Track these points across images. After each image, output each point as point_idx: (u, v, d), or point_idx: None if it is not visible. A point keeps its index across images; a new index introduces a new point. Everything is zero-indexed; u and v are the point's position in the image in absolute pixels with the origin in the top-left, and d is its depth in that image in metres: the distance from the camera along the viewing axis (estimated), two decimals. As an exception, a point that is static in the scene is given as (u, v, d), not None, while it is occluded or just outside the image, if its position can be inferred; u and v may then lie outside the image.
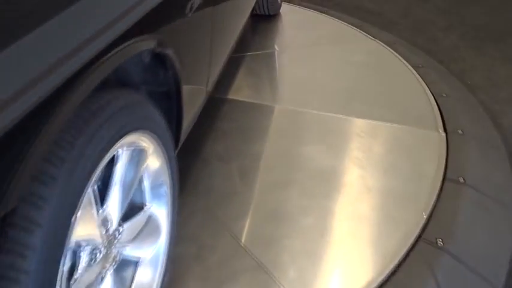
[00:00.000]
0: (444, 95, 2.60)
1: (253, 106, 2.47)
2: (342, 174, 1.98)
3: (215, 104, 2.46)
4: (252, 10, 3.14)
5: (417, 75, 2.79)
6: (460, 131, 2.26)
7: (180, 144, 1.51)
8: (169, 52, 1.19)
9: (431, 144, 2.17)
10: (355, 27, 3.52)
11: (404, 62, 2.97)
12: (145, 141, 1.17)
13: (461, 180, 1.95)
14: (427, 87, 2.67)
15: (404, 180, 1.95)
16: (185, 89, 1.37)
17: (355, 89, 2.63)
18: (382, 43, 3.25)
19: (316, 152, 2.11)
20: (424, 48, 3.35)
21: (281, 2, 3.78)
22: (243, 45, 3.15)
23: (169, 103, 1.35)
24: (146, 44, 1.09)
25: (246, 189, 1.92)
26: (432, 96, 2.58)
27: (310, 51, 3.12)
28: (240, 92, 2.61)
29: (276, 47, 3.21)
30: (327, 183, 1.93)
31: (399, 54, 3.09)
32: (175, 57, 1.23)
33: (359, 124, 2.33)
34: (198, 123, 1.83)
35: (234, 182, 1.96)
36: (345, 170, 2.01)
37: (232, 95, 2.57)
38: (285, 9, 3.88)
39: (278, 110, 2.43)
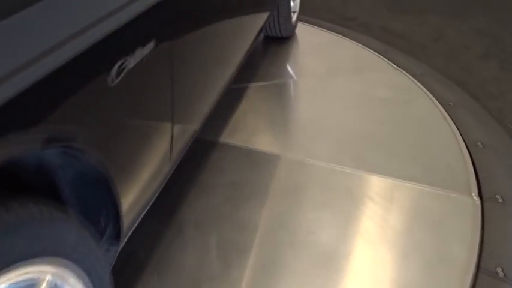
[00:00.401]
0: (480, 145, 2.15)
1: (248, 154, 2.07)
2: (346, 259, 1.56)
3: (201, 148, 2.07)
4: (262, 31, 2.75)
5: (448, 118, 2.34)
6: (499, 198, 1.81)
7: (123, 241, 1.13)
8: (81, 146, 0.81)
9: (463, 216, 1.73)
10: (379, 53, 3.08)
11: (433, 99, 2.53)
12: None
13: (500, 273, 1.50)
14: (459, 134, 2.22)
15: (426, 269, 1.52)
16: (119, 176, 0.98)
17: (373, 134, 2.21)
18: (408, 74, 2.80)
19: (317, 222, 1.70)
20: (457, 79, 2.89)
21: (296, 23, 3.37)
22: (246, 73, 2.76)
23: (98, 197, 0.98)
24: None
25: (224, 272, 1.52)
26: (465, 147, 2.13)
27: (325, 83, 2.70)
28: (235, 134, 2.22)
29: (285, 76, 2.80)
30: (325, 271, 1.51)
31: (427, 88, 2.64)
32: (93, 149, 0.84)
33: (373, 182, 1.91)
34: (175, 173, 1.45)
35: (210, 261, 1.56)
36: (350, 252, 1.58)
37: (224, 138, 2.18)
38: (301, 30, 3.47)
39: (278, 160, 2.02)
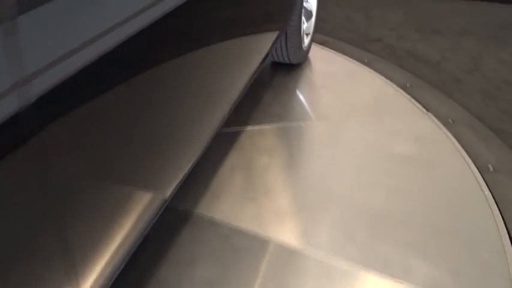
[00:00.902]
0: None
1: (228, 236, 1.62)
2: None
3: (169, 222, 1.63)
4: (267, 57, 2.28)
5: (487, 193, 1.85)
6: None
7: None
8: None
9: None
10: (403, 89, 2.59)
11: (468, 160, 2.04)
12: None
13: None
14: (499, 216, 1.73)
15: None
16: None
17: (389, 211, 1.73)
18: (437, 121, 2.31)
19: None
20: (498, 127, 2.38)
21: (309, 47, 2.89)
22: (242, 110, 2.31)
23: None
24: None
25: None
26: (507, 237, 1.65)
27: (335, 129, 2.23)
28: (216, 202, 1.76)
29: (289, 118, 2.33)
30: None
31: (460, 142, 2.15)
32: None
33: (385, 291, 1.44)
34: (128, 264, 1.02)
35: None
36: None
37: (201, 208, 1.73)
38: (315, 54, 2.99)
39: (265, 248, 1.57)
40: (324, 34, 3.44)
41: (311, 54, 2.97)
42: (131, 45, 0.84)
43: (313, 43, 3.08)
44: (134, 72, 0.89)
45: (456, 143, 2.15)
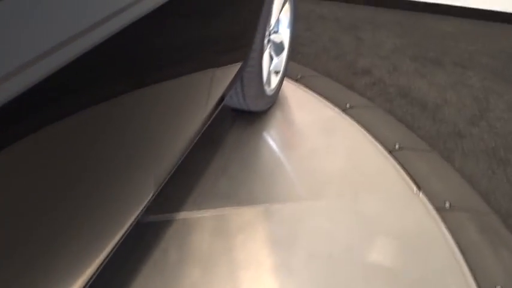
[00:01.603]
0: None
1: None
2: None
3: None
4: (221, 103, 1.75)
5: None
6: None
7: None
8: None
9: None
10: (391, 152, 2.04)
11: (467, 275, 1.49)
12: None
13: None
14: None
15: None
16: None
17: None
18: (431, 207, 1.76)
19: None
20: (509, 212, 1.84)
21: (278, 89, 2.32)
22: (171, 188, 1.76)
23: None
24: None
25: None
26: None
27: (298, 215, 1.68)
28: None
29: (234, 200, 1.77)
30: None
31: (459, 244, 1.60)
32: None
33: None
34: None
35: None
36: None
37: None
38: (287, 94, 2.43)
39: None
40: (303, 63, 2.88)
41: (281, 95, 2.42)
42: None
43: (286, 78, 2.52)
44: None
45: (452, 243, 1.60)
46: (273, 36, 2.21)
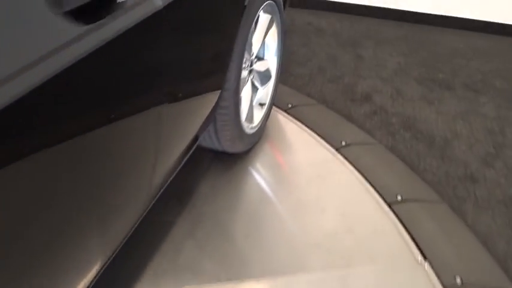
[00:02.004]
0: None
1: None
2: None
3: None
4: (196, 141, 1.46)
5: None
6: None
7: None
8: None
9: None
10: (391, 206, 1.72)
11: None
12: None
13: None
14: None
15: None
16: None
17: None
18: (436, 280, 1.45)
19: None
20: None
21: (262, 125, 2.01)
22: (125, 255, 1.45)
23: None
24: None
25: None
26: None
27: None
28: None
29: (193, 277, 1.46)
30: None
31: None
32: None
33: None
34: None
35: None
36: None
37: None
38: (273, 128, 2.12)
39: None
40: (296, 87, 2.56)
41: (268, 130, 2.10)
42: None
43: (275, 108, 2.20)
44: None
45: None
46: (257, 64, 1.90)
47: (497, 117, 2.42)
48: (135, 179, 1.09)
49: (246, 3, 1.50)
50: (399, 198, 1.76)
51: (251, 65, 1.83)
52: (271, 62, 2.02)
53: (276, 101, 2.14)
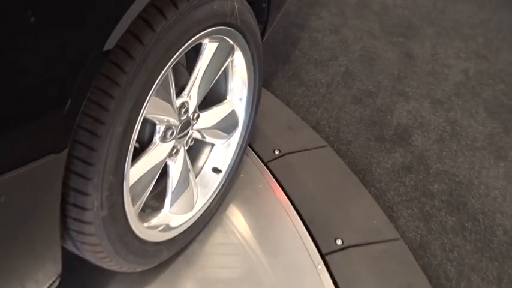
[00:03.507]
0: None
1: None
2: None
3: None
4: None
5: None
6: None
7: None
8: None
9: None
10: None
11: None
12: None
13: None
14: None
15: None
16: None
17: None
18: None
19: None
20: None
21: (203, 218, 1.24)
22: None
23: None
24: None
25: None
26: None
27: None
28: None
29: None
30: None
31: None
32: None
33: None
34: None
35: None
36: None
37: None
38: (245, 205, 1.37)
39: None
40: (300, 106, 1.75)
41: (226, 216, 1.35)
42: None
43: (253, 160, 1.43)
44: None
45: None
46: (204, 116, 1.11)
47: None
48: None
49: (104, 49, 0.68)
50: None
51: (184, 129, 1.05)
52: (237, 104, 1.23)
53: (254, 142, 1.36)
